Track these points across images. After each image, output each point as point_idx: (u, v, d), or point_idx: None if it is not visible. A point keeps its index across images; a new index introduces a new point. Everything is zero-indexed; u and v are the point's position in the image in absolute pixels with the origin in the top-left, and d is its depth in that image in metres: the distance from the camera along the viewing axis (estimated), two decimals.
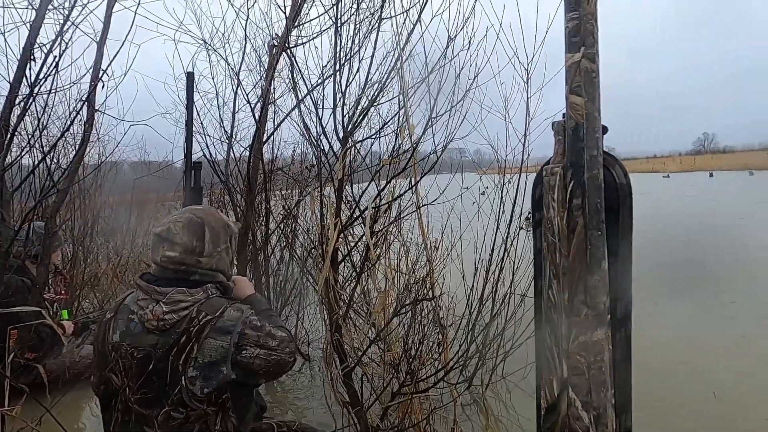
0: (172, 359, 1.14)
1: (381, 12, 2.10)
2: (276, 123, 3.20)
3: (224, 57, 2.97)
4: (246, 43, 3.12)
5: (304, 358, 3.58)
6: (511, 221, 2.82)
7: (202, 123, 3.15)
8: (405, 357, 2.34)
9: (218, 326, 1.18)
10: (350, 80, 1.94)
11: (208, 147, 3.24)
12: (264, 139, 3.22)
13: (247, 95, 3.01)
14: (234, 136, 3.38)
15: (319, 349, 3.48)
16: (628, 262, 1.03)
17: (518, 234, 3.13)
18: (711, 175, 40.34)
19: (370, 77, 2.05)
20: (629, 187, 1.05)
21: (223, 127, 3.32)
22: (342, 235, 2.18)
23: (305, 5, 2.89)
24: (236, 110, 3.41)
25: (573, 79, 0.96)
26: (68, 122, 2.61)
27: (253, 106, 3.00)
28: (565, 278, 1.01)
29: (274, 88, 2.89)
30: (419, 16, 1.85)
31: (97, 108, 2.55)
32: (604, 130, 1.02)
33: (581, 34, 0.94)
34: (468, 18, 1.77)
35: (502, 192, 2.90)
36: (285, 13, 2.63)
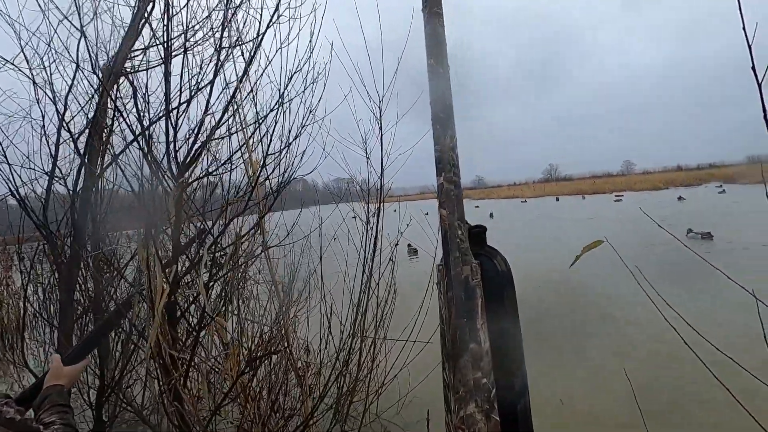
0: None
1: (220, 44, 1.98)
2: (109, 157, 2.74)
3: (31, 77, 2.48)
4: (77, 67, 2.67)
5: None
6: (374, 255, 2.84)
7: (4, 153, 2.54)
8: (269, 411, 2.11)
9: None
10: (179, 115, 1.74)
11: (17, 187, 2.63)
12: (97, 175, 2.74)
13: (67, 124, 2.55)
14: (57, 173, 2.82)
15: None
16: (517, 339, 1.14)
17: (386, 267, 3.19)
18: (557, 199, 48.25)
19: (208, 111, 1.89)
20: (510, 274, 1.16)
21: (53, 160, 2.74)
22: (182, 285, 1.91)
23: (146, 30, 2.62)
24: (61, 142, 2.87)
25: (440, 197, 1.16)
26: None
27: (76, 137, 2.54)
28: (450, 360, 1.10)
29: (100, 118, 2.49)
30: (257, 45, 1.77)
31: None
32: (482, 228, 1.19)
33: (442, 163, 1.16)
34: (306, 55, 1.74)
35: (366, 226, 2.94)
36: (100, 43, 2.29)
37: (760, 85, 1.06)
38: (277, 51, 1.98)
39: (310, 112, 1.75)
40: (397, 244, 3.10)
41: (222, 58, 1.97)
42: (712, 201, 24.81)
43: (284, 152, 1.75)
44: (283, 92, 1.80)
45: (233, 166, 1.82)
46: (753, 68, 1.04)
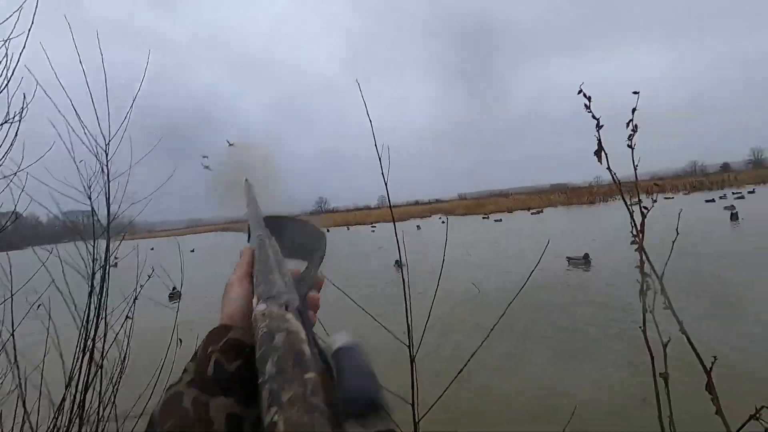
0: None
1: None
2: None
3: None
4: None
5: None
6: (98, 319, 2.42)
7: None
8: None
9: None
10: None
11: None
12: None
13: None
14: None
15: None
16: None
17: (121, 327, 2.73)
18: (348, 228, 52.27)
19: None
20: None
21: None
22: None
23: None
24: None
25: None
26: None
27: None
28: None
29: None
30: None
31: None
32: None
33: None
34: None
35: (93, 262, 2.47)
36: None
37: (598, 121, 1.33)
38: None
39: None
40: (135, 299, 2.73)
41: None
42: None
43: None
44: None
45: None
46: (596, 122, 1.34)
